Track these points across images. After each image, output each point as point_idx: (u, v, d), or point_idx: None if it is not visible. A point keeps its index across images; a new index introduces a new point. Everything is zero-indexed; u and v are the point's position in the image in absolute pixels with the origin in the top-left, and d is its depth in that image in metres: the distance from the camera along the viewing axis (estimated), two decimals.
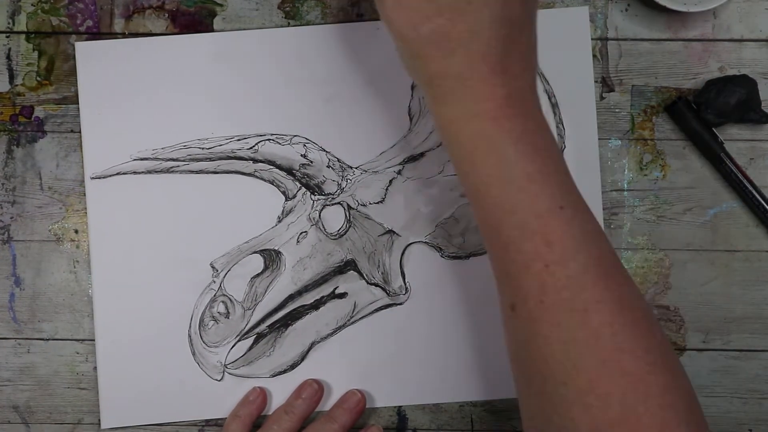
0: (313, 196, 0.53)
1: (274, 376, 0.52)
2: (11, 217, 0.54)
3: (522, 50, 0.37)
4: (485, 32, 0.35)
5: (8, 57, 0.54)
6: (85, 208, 0.53)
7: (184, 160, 0.53)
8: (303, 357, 0.52)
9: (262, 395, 0.52)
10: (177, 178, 0.53)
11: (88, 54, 0.53)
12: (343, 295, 0.53)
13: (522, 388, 0.39)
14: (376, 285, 0.52)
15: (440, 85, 0.37)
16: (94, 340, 0.53)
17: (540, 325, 0.36)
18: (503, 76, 0.36)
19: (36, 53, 0.54)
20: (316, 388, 0.51)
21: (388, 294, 0.52)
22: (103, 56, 0.53)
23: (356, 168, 0.53)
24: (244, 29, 0.54)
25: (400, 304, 0.53)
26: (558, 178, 0.37)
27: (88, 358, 0.53)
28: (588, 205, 0.38)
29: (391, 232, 0.53)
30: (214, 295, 0.52)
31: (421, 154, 0.53)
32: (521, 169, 0.36)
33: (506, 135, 0.36)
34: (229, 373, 0.52)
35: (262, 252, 0.52)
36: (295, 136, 0.53)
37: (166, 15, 0.54)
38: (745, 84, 0.51)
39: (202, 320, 0.52)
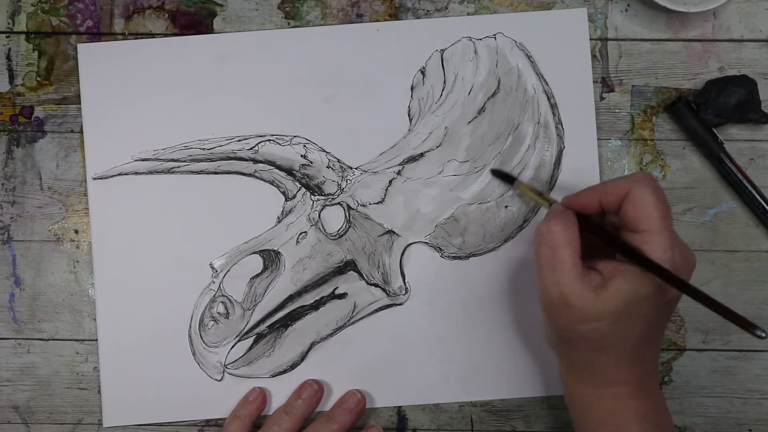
0: (312, 197, 0.53)
1: (274, 376, 0.52)
2: (11, 217, 0.54)
3: (657, 343, 0.43)
4: (635, 337, 0.40)
5: (8, 57, 0.54)
6: (85, 208, 0.53)
7: (184, 161, 0.53)
8: (303, 357, 0.52)
9: (262, 395, 0.52)
10: (178, 179, 0.53)
11: (90, 55, 0.53)
12: (342, 296, 0.53)
13: None
14: (376, 285, 0.52)
15: (580, 367, 0.43)
16: (94, 340, 0.53)
17: None
18: (640, 365, 0.42)
19: (36, 53, 0.54)
20: (316, 389, 0.51)
21: (387, 294, 0.53)
22: (104, 57, 0.53)
23: (356, 168, 0.53)
24: (244, 29, 0.54)
25: (400, 304, 0.53)
26: None
27: (88, 358, 0.53)
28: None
29: (390, 232, 0.53)
30: (214, 296, 0.52)
31: (421, 155, 0.53)
32: None
33: (632, 413, 0.42)
34: (229, 373, 0.52)
35: (261, 252, 0.52)
36: (296, 136, 0.53)
37: (166, 15, 0.54)
38: (745, 84, 0.51)
39: (202, 320, 0.52)
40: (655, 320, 0.41)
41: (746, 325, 0.37)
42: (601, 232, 0.42)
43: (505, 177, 0.51)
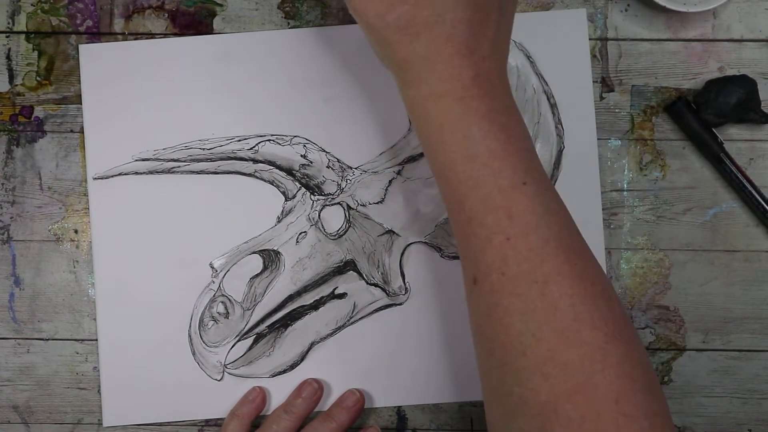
0: (312, 197, 0.53)
1: (273, 376, 0.52)
2: (11, 217, 0.54)
3: (489, 33, 0.38)
4: (449, 15, 0.36)
5: (8, 57, 0.54)
6: (85, 208, 0.53)
7: (185, 161, 0.53)
8: (303, 357, 0.53)
9: (262, 395, 0.52)
10: (178, 179, 0.53)
11: (91, 55, 0.53)
12: (342, 296, 0.53)
13: (483, 361, 0.39)
14: (376, 285, 0.52)
15: (408, 69, 0.38)
16: (93, 340, 0.53)
17: (501, 296, 0.36)
18: (470, 57, 0.37)
19: (36, 53, 0.54)
20: (316, 388, 0.51)
21: (387, 294, 0.53)
22: (105, 58, 0.53)
23: (356, 168, 0.53)
24: (244, 29, 0.54)
25: (400, 304, 0.53)
26: (522, 156, 0.38)
27: (87, 358, 0.53)
28: (551, 183, 0.39)
29: (390, 232, 0.53)
30: (214, 296, 0.52)
31: (421, 155, 0.53)
32: (485, 146, 0.37)
33: (472, 113, 0.37)
34: (229, 373, 0.52)
35: (261, 252, 0.52)
36: (295, 136, 0.53)
37: (166, 15, 0.54)
38: (745, 84, 0.51)
39: (201, 320, 0.52)
40: (470, 1, 0.37)
41: None
42: None
43: None
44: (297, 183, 0.53)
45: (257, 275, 0.52)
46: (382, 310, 0.53)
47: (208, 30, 0.54)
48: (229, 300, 0.52)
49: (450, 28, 0.37)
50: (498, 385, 0.38)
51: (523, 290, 0.36)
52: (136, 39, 0.54)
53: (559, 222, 0.38)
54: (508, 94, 0.39)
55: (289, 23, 0.54)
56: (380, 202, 0.53)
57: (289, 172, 0.53)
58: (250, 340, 0.52)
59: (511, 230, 0.36)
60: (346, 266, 0.53)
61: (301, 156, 0.53)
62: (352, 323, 0.53)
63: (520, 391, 0.36)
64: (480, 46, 0.37)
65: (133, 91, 0.53)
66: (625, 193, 0.53)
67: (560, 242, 0.37)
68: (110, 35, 0.54)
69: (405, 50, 0.38)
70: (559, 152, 0.53)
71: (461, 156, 0.37)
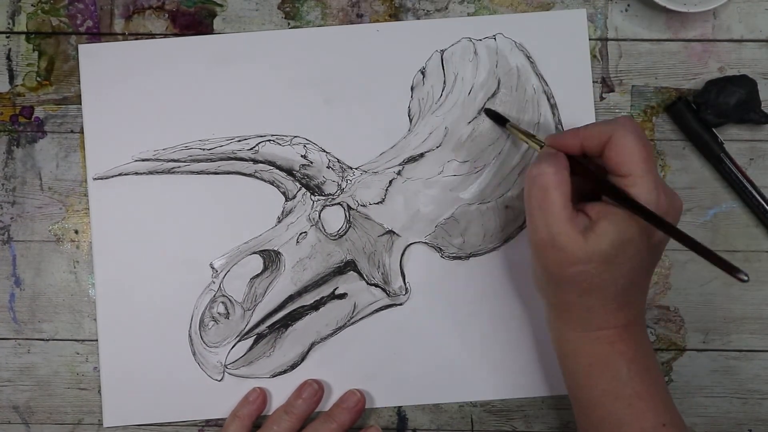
0: (313, 197, 0.53)
1: (274, 376, 0.52)
2: (11, 218, 0.54)
3: (644, 287, 0.43)
4: (622, 280, 0.40)
5: (8, 57, 0.54)
6: (85, 209, 0.53)
7: (185, 161, 0.53)
8: (303, 357, 0.53)
9: (262, 395, 0.52)
10: (178, 179, 0.53)
11: (91, 55, 0.53)
12: (342, 296, 0.53)
13: None
14: (376, 285, 0.52)
15: (568, 310, 0.43)
16: (94, 340, 0.53)
17: None
18: (627, 309, 0.42)
19: (36, 53, 0.54)
20: (316, 388, 0.51)
21: (388, 294, 0.53)
22: (105, 58, 0.53)
23: (356, 168, 0.53)
24: (244, 29, 0.54)
25: (400, 304, 0.53)
26: (662, 397, 0.42)
27: (88, 358, 0.53)
28: (684, 422, 0.43)
29: (390, 232, 0.53)
30: (214, 296, 0.52)
31: (421, 155, 0.53)
32: (631, 388, 0.41)
33: (621, 357, 0.42)
34: (229, 374, 0.52)
35: (261, 252, 0.52)
36: (296, 136, 0.53)
37: (166, 15, 0.54)
38: (745, 84, 0.51)
39: (202, 320, 0.52)
40: (641, 264, 0.41)
41: (730, 269, 0.36)
42: (588, 173, 0.42)
43: (497, 118, 0.51)
44: (297, 183, 0.53)
45: (258, 275, 0.52)
46: (382, 310, 0.53)
47: (208, 30, 0.54)
48: (230, 300, 0.52)
49: (620, 290, 0.41)
50: None
51: None
52: (136, 39, 0.54)
53: None
54: (647, 335, 0.44)
55: (289, 23, 0.54)
56: (380, 202, 0.53)
57: (290, 172, 0.53)
58: (250, 341, 0.52)
59: None
60: (347, 266, 0.53)
61: (302, 156, 0.53)
62: (353, 323, 0.53)
63: None
64: (634, 298, 0.42)
65: (133, 91, 0.53)
66: None
67: None
68: (110, 35, 0.54)
69: (572, 298, 0.42)
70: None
71: (608, 395, 0.41)
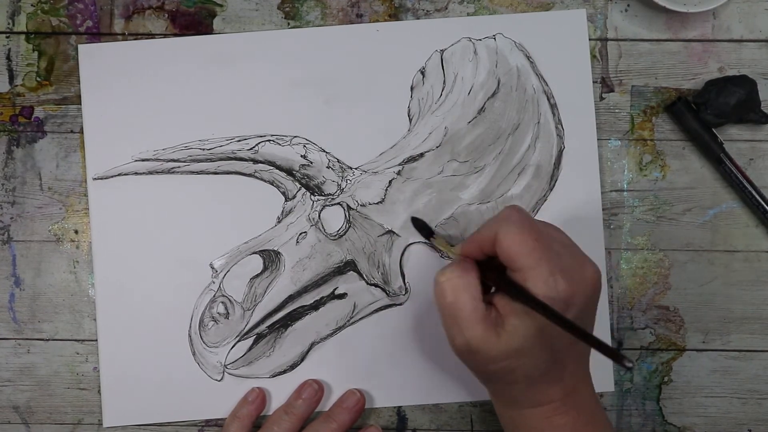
0: (312, 197, 0.53)
1: (273, 376, 0.52)
2: (11, 218, 0.54)
3: (574, 357, 0.42)
4: (544, 365, 0.40)
5: (8, 57, 0.54)
6: (85, 209, 0.53)
7: (184, 161, 0.53)
8: (303, 357, 0.53)
9: (261, 395, 0.52)
10: (178, 179, 0.53)
11: (91, 56, 0.53)
12: (342, 296, 0.53)
13: None
14: (376, 285, 0.52)
15: (502, 394, 0.43)
16: (93, 340, 0.53)
17: None
18: (561, 382, 0.41)
19: (36, 53, 0.54)
20: (317, 389, 0.51)
21: (387, 294, 0.53)
22: (105, 58, 0.53)
23: (356, 168, 0.53)
24: (244, 29, 0.54)
25: (400, 304, 0.53)
26: None
27: (88, 358, 0.53)
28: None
29: (390, 232, 0.53)
30: (214, 296, 0.52)
31: (421, 155, 0.53)
32: None
33: (560, 430, 0.42)
34: (229, 374, 0.52)
35: (261, 252, 0.52)
36: (295, 137, 0.53)
37: (166, 15, 0.54)
38: (745, 84, 0.51)
39: (202, 320, 0.52)
40: (561, 341, 0.40)
41: (616, 357, 0.35)
42: (490, 276, 0.41)
43: (423, 228, 0.50)
44: (297, 183, 0.53)
45: (257, 275, 0.52)
46: (382, 310, 0.53)
47: (208, 30, 0.54)
48: (230, 300, 0.52)
49: (546, 371, 0.40)
50: None
51: None
52: (136, 39, 0.54)
53: None
54: (592, 393, 0.44)
55: (289, 23, 0.54)
56: (380, 202, 0.53)
57: (289, 172, 0.53)
58: (250, 341, 0.52)
59: None
60: (346, 266, 0.53)
61: (301, 156, 0.53)
62: (352, 323, 0.53)
63: None
64: (568, 369, 0.41)
65: (133, 91, 0.53)
66: (625, 193, 0.53)
67: None
68: (110, 35, 0.54)
69: (502, 388, 0.43)
70: (560, 152, 0.53)
71: None
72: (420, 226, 0.50)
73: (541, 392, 0.41)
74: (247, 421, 0.51)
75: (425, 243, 0.52)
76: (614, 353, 0.35)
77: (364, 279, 0.52)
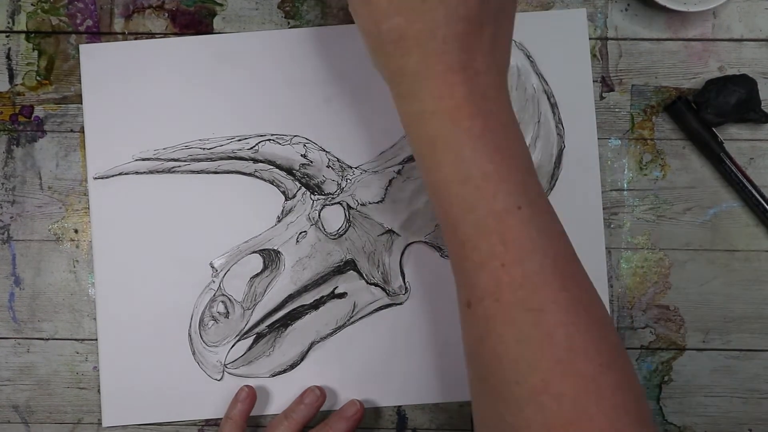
0: (312, 196, 0.53)
1: (273, 376, 0.52)
2: (11, 217, 0.54)
3: (485, 47, 0.36)
4: (440, 30, 0.35)
5: (8, 57, 0.54)
6: (85, 208, 0.53)
7: (185, 160, 0.53)
8: (303, 357, 0.52)
9: (252, 393, 0.51)
10: (178, 178, 0.53)
11: (91, 55, 0.53)
12: (342, 295, 0.53)
13: (476, 387, 0.38)
14: (376, 285, 0.52)
15: (401, 82, 0.37)
16: (93, 339, 0.53)
17: (495, 323, 0.36)
18: (462, 73, 0.36)
19: (36, 53, 0.54)
20: (318, 395, 0.51)
21: (387, 294, 0.53)
22: (105, 58, 0.53)
23: (356, 168, 0.53)
24: (244, 29, 0.54)
25: (400, 304, 0.53)
26: (518, 178, 0.36)
27: (87, 357, 0.53)
28: (550, 205, 0.38)
29: (390, 231, 0.53)
30: (214, 295, 0.52)
31: None
32: (478, 168, 0.36)
33: (465, 134, 0.36)
34: (229, 373, 0.52)
35: (261, 252, 0.52)
36: (295, 136, 0.53)
37: (166, 14, 0.54)
38: (745, 84, 0.51)
39: (201, 320, 0.52)
40: (458, 9, 0.35)
41: None
42: None
43: None
44: (297, 182, 0.53)
45: (257, 275, 0.52)
46: (382, 309, 0.53)
47: (208, 30, 0.54)
48: (230, 299, 0.52)
49: (441, 44, 0.35)
50: (490, 412, 0.37)
51: (517, 318, 0.35)
52: (136, 39, 0.54)
53: (555, 246, 0.36)
54: (507, 110, 0.38)
55: (289, 23, 0.54)
56: (380, 201, 0.53)
57: (290, 171, 0.53)
58: (250, 340, 0.52)
59: (506, 256, 0.35)
60: (346, 266, 0.53)
61: (301, 155, 0.53)
62: (352, 323, 0.53)
63: (512, 420, 0.35)
64: (473, 62, 0.36)
65: (133, 90, 0.53)
66: (625, 192, 0.53)
67: (556, 268, 0.36)
68: (110, 35, 0.54)
69: (397, 64, 0.37)
70: (560, 152, 0.53)
71: (454, 178, 0.36)
72: None
73: (439, 75, 0.36)
74: (240, 420, 0.51)
75: (425, 242, 0.52)
76: None
77: (364, 278, 0.52)
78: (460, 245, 0.37)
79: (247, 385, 0.52)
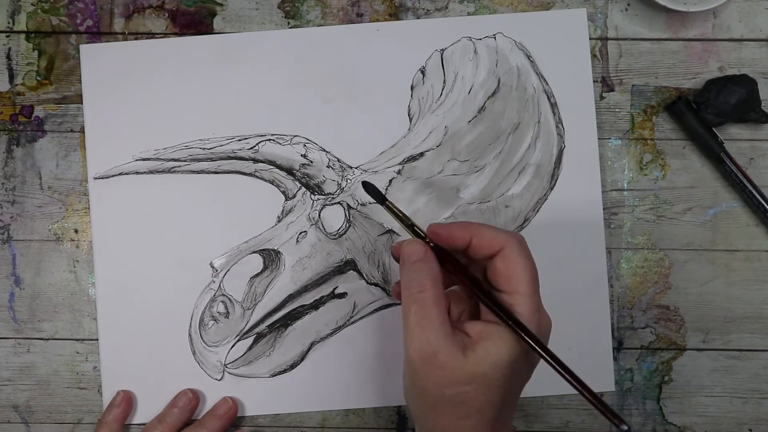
0: (313, 196, 0.53)
1: (273, 375, 0.52)
2: (11, 217, 0.54)
3: (515, 405, 0.40)
4: (499, 401, 0.38)
5: (8, 57, 0.54)
6: (85, 208, 0.53)
7: (185, 160, 0.53)
8: (303, 357, 0.52)
9: (127, 398, 0.52)
10: (178, 178, 0.53)
11: (92, 55, 0.53)
12: (342, 295, 0.53)
13: None
14: (376, 285, 0.52)
15: None
16: (94, 339, 0.53)
17: None
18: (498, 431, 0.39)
19: (36, 53, 0.54)
20: (191, 398, 0.51)
21: (387, 294, 0.52)
22: (106, 58, 0.53)
23: (356, 168, 0.53)
24: (244, 29, 0.54)
25: (400, 303, 0.53)
26: None
27: (88, 357, 0.53)
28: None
29: (390, 231, 0.53)
30: (214, 295, 0.52)
31: (421, 154, 0.53)
32: None
33: None
34: (229, 373, 0.52)
35: (261, 252, 0.52)
36: (296, 136, 0.53)
37: (166, 14, 0.54)
38: (745, 84, 0.51)
39: (202, 320, 0.52)
40: (519, 384, 0.39)
41: (614, 417, 0.34)
42: (470, 282, 0.39)
43: (376, 194, 0.44)
44: (297, 182, 0.53)
45: (257, 275, 0.52)
46: (382, 309, 0.53)
47: (208, 30, 0.54)
48: (230, 299, 0.52)
49: (495, 412, 0.38)
50: None
51: None
52: (136, 39, 0.54)
53: None
54: None
55: (289, 23, 0.54)
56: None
57: (290, 171, 0.53)
58: (250, 340, 0.52)
59: None
60: (347, 266, 0.53)
61: (302, 155, 0.53)
62: (353, 323, 0.53)
63: None
64: (508, 418, 0.40)
65: (133, 90, 0.53)
66: (625, 192, 0.53)
67: None
68: (110, 35, 0.54)
69: (448, 422, 0.38)
70: (560, 152, 0.53)
71: None
72: (372, 190, 0.44)
73: None
74: (114, 425, 0.51)
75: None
76: (613, 414, 0.35)
77: (364, 278, 0.52)
78: None
79: (123, 390, 0.52)
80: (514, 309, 0.37)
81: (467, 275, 0.39)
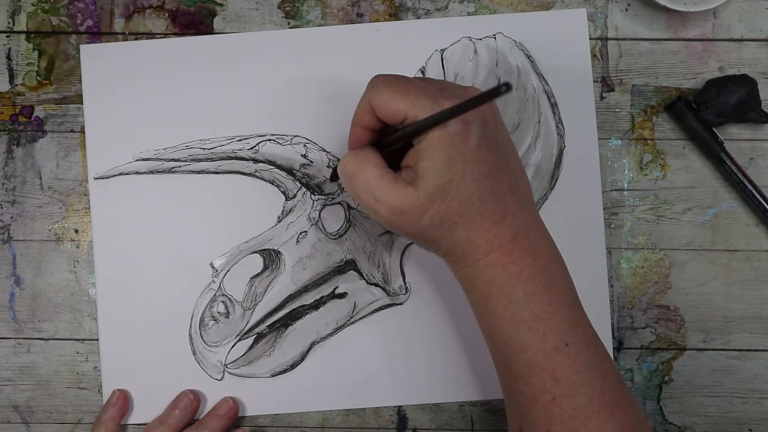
0: (313, 196, 0.53)
1: (274, 375, 0.52)
2: (11, 217, 0.54)
3: (511, 189, 0.40)
4: (475, 194, 0.39)
5: (8, 57, 0.54)
6: (85, 208, 0.53)
7: (185, 161, 0.53)
8: (303, 357, 0.53)
9: (123, 397, 0.52)
10: (178, 178, 0.53)
11: (92, 56, 0.53)
12: (343, 295, 0.53)
13: None
14: (376, 285, 0.52)
15: (454, 252, 0.41)
16: (94, 339, 0.53)
17: None
18: (504, 221, 0.39)
19: (36, 53, 0.54)
20: (192, 399, 0.51)
21: (388, 294, 0.53)
22: (106, 58, 0.53)
23: None
24: (245, 29, 0.54)
25: (400, 304, 0.53)
26: (565, 314, 0.40)
27: (88, 357, 0.53)
28: (595, 333, 0.41)
29: (390, 231, 0.53)
30: (214, 295, 0.52)
31: None
32: (529, 311, 0.39)
33: (515, 279, 0.39)
34: (230, 373, 0.52)
35: (261, 252, 0.52)
36: (296, 136, 0.53)
37: (166, 15, 0.54)
38: (745, 84, 0.51)
39: (202, 320, 0.52)
40: (480, 170, 0.39)
41: (492, 93, 0.33)
42: (384, 141, 0.42)
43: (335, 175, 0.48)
44: (297, 182, 0.53)
45: (258, 275, 0.52)
46: (382, 309, 0.53)
47: (208, 30, 0.54)
48: (230, 299, 0.52)
49: (480, 206, 0.39)
50: None
51: None
52: (136, 39, 0.54)
53: (602, 376, 0.40)
54: (546, 236, 0.41)
55: (289, 23, 0.54)
56: None
57: (290, 171, 0.53)
58: (250, 340, 0.52)
59: (556, 391, 0.39)
60: (347, 266, 0.53)
61: (302, 155, 0.53)
62: (353, 323, 0.53)
63: None
64: (508, 205, 0.40)
65: (133, 91, 0.53)
66: (625, 192, 0.53)
67: (603, 398, 0.39)
68: (110, 35, 0.54)
69: (447, 241, 0.40)
70: (560, 152, 0.53)
71: (507, 321, 0.40)
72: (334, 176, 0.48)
73: (485, 232, 0.39)
74: (111, 424, 0.51)
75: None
76: (490, 91, 0.33)
77: (364, 278, 0.52)
78: (513, 380, 0.41)
79: (119, 389, 0.52)
80: (416, 119, 0.38)
81: (382, 139, 0.42)
